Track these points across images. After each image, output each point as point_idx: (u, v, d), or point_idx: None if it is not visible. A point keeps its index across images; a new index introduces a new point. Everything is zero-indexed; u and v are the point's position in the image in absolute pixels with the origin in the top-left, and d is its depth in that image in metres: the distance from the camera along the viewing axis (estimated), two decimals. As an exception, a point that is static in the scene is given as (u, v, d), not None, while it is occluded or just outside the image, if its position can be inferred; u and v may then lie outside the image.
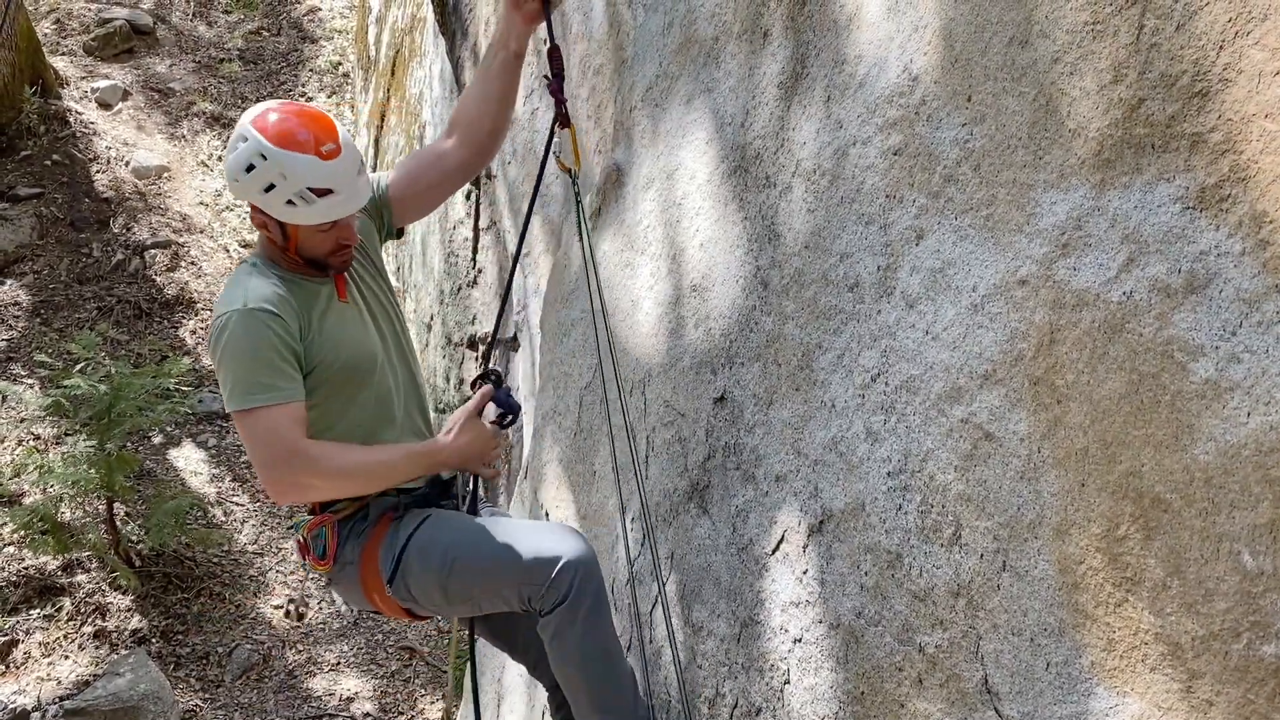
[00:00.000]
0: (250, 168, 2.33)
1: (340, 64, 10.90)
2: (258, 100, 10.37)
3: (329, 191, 2.33)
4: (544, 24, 2.66)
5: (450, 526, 2.46)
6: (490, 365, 2.59)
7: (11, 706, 5.70)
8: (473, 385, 2.57)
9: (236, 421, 2.33)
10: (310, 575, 6.84)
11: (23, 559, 6.47)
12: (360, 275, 2.56)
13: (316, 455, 2.32)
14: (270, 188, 2.32)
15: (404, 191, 2.65)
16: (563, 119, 2.69)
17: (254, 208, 2.39)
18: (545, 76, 2.71)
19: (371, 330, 2.51)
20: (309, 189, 2.31)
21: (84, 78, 9.99)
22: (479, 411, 2.53)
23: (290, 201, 2.31)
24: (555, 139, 2.67)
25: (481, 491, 2.67)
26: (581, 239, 2.75)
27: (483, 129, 2.71)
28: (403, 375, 2.56)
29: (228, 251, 9.06)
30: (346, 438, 2.43)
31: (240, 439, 2.45)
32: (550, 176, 5.00)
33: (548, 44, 2.68)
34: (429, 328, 7.49)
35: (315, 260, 2.43)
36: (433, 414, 2.74)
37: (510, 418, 2.57)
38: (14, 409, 7.26)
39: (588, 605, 2.37)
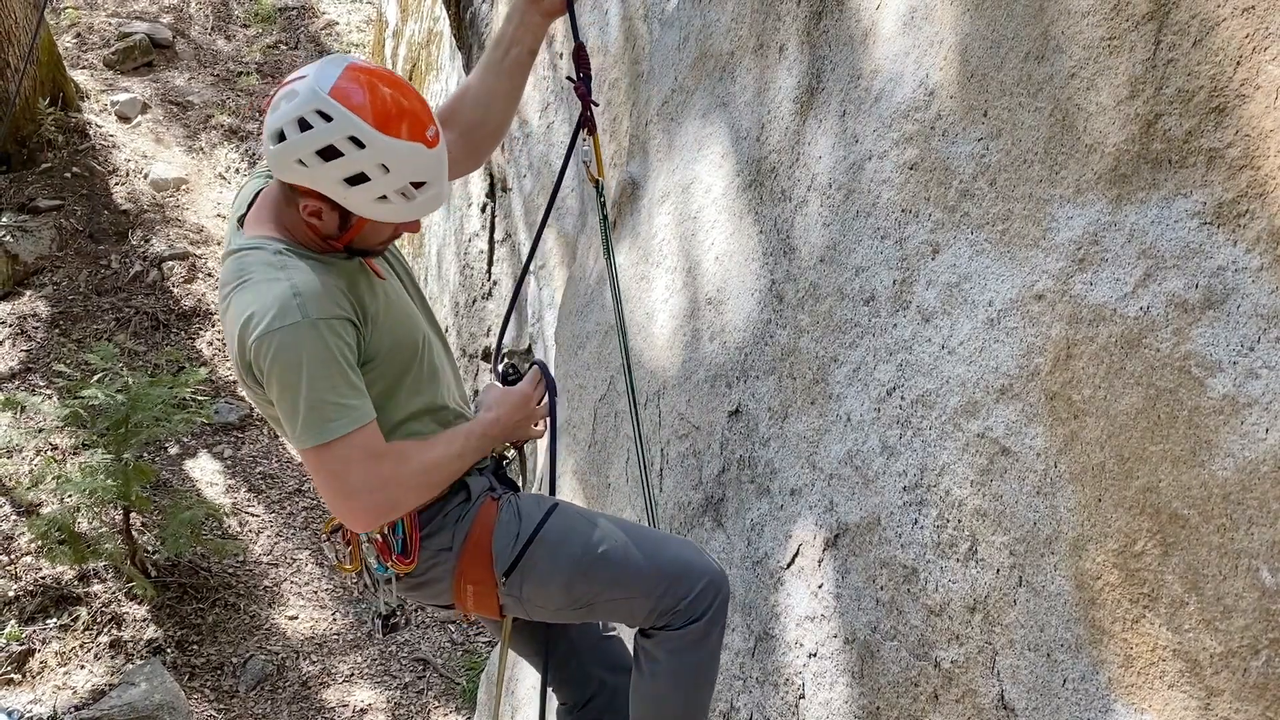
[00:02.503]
0: (332, 153, 1.88)
1: (357, 77, 10.95)
2: (275, 113, 10.42)
3: (424, 184, 1.96)
4: (564, 21, 2.39)
5: (586, 520, 2.25)
6: (505, 363, 2.36)
7: (28, 716, 5.72)
8: (504, 377, 2.33)
9: (310, 456, 1.98)
10: (337, 582, 6.86)
11: (40, 568, 6.50)
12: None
13: (400, 464, 2.04)
14: (359, 179, 1.91)
15: None
16: (590, 124, 2.42)
17: (308, 192, 1.95)
18: (569, 78, 2.48)
19: (410, 302, 2.23)
20: (411, 183, 1.94)
21: (104, 91, 10.07)
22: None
23: (384, 197, 1.94)
24: (584, 145, 2.45)
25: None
26: (608, 255, 2.58)
27: (485, 130, 2.41)
28: (437, 340, 2.30)
29: (244, 263, 9.11)
30: (417, 418, 2.17)
31: (304, 471, 2.12)
32: (565, 188, 5.02)
33: (573, 42, 2.42)
34: (444, 340, 7.51)
35: (362, 249, 2.07)
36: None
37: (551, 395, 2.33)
38: (33, 419, 7.31)
39: (719, 628, 2.21)
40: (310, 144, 1.88)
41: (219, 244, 9.20)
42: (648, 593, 2.17)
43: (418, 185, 1.95)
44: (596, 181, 2.49)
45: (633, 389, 2.50)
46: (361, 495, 2.00)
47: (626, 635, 2.45)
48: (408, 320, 2.16)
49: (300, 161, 1.90)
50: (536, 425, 2.31)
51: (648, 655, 2.24)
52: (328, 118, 1.87)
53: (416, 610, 6.71)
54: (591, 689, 2.51)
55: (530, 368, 2.32)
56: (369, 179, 1.91)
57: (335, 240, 2.02)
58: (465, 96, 2.40)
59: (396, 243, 2.28)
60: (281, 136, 1.90)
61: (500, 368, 2.36)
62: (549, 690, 2.60)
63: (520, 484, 2.43)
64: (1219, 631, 1.50)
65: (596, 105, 2.46)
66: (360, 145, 1.88)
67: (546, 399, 2.30)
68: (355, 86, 1.90)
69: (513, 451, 2.37)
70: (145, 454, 7.05)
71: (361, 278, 2.06)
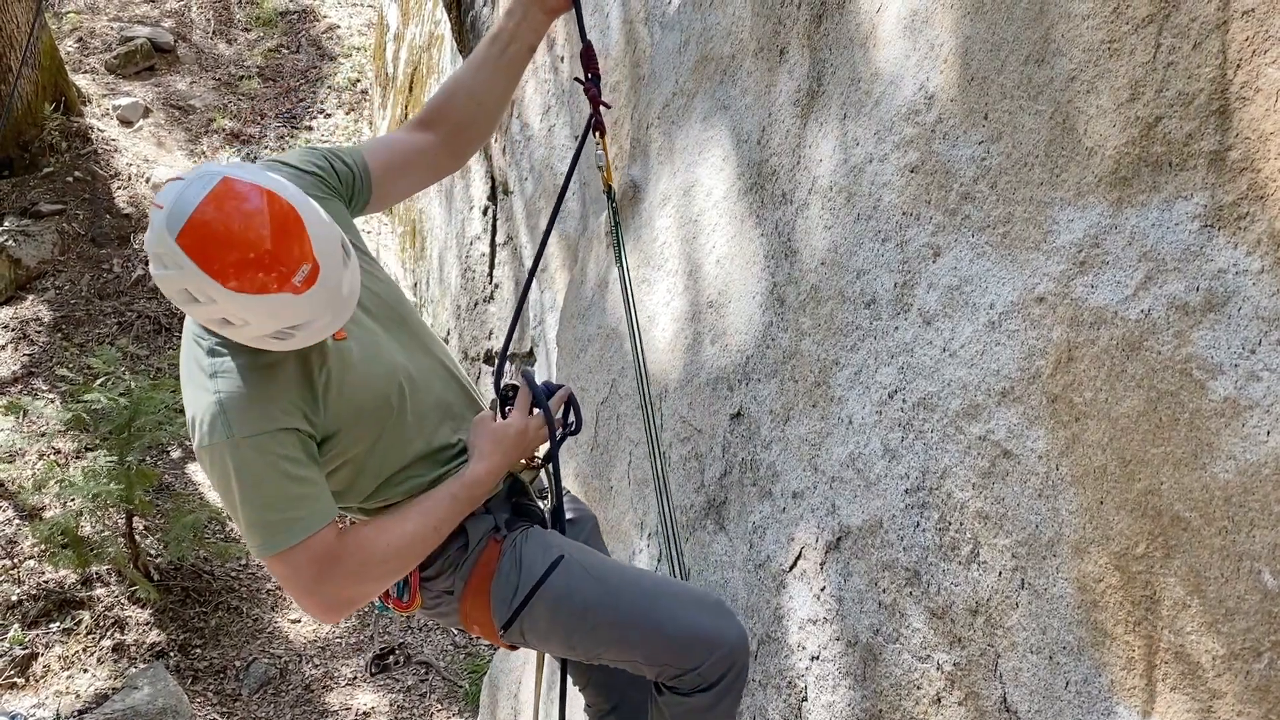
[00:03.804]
0: (191, 298, 1.72)
1: (358, 81, 10.98)
2: (277, 118, 10.45)
3: (301, 324, 1.76)
4: (565, 24, 2.37)
5: (591, 576, 2.08)
6: (505, 381, 2.19)
7: (31, 720, 5.73)
8: (502, 407, 2.15)
9: (269, 564, 1.90)
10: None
11: (43, 572, 6.51)
12: None
13: (362, 560, 1.90)
14: (226, 323, 1.75)
15: (383, 183, 2.17)
16: (601, 127, 2.31)
17: None
18: (577, 79, 2.37)
19: (384, 343, 2.02)
20: (285, 328, 1.75)
21: (106, 95, 10.09)
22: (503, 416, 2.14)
23: (260, 338, 1.77)
24: (597, 148, 2.34)
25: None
26: (621, 261, 2.50)
27: (475, 129, 2.29)
28: (427, 365, 2.11)
29: (246, 267, 9.12)
30: (412, 467, 2.05)
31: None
32: (570, 193, 5.02)
33: (580, 42, 2.32)
34: (445, 343, 7.52)
35: None
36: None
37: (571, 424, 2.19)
38: (35, 423, 7.32)
39: (733, 695, 2.11)
40: (168, 284, 1.72)
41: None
42: (651, 660, 2.07)
43: (297, 327, 1.75)
44: (609, 187, 2.39)
45: (647, 394, 2.49)
46: (320, 594, 1.89)
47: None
48: (377, 376, 1.98)
49: (170, 296, 1.75)
50: (533, 452, 2.16)
51: (657, 710, 2.16)
52: (180, 267, 1.67)
53: (420, 624, 6.72)
54: (615, 698, 2.46)
55: (519, 389, 2.13)
56: (234, 325, 1.74)
57: None
58: (457, 93, 2.26)
59: (377, 271, 2.14)
60: (149, 262, 1.75)
61: (502, 387, 2.18)
62: (578, 689, 2.55)
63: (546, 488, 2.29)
64: (1221, 634, 1.50)
65: (609, 107, 2.34)
66: (214, 302, 1.69)
67: (544, 421, 2.12)
68: (207, 231, 1.65)
69: (530, 472, 2.23)
70: (148, 458, 7.06)
71: (313, 350, 1.87)
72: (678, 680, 2.07)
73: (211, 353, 1.85)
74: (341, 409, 1.91)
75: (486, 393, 2.26)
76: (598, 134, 2.33)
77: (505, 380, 2.18)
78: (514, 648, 2.22)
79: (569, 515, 2.28)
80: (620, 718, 2.51)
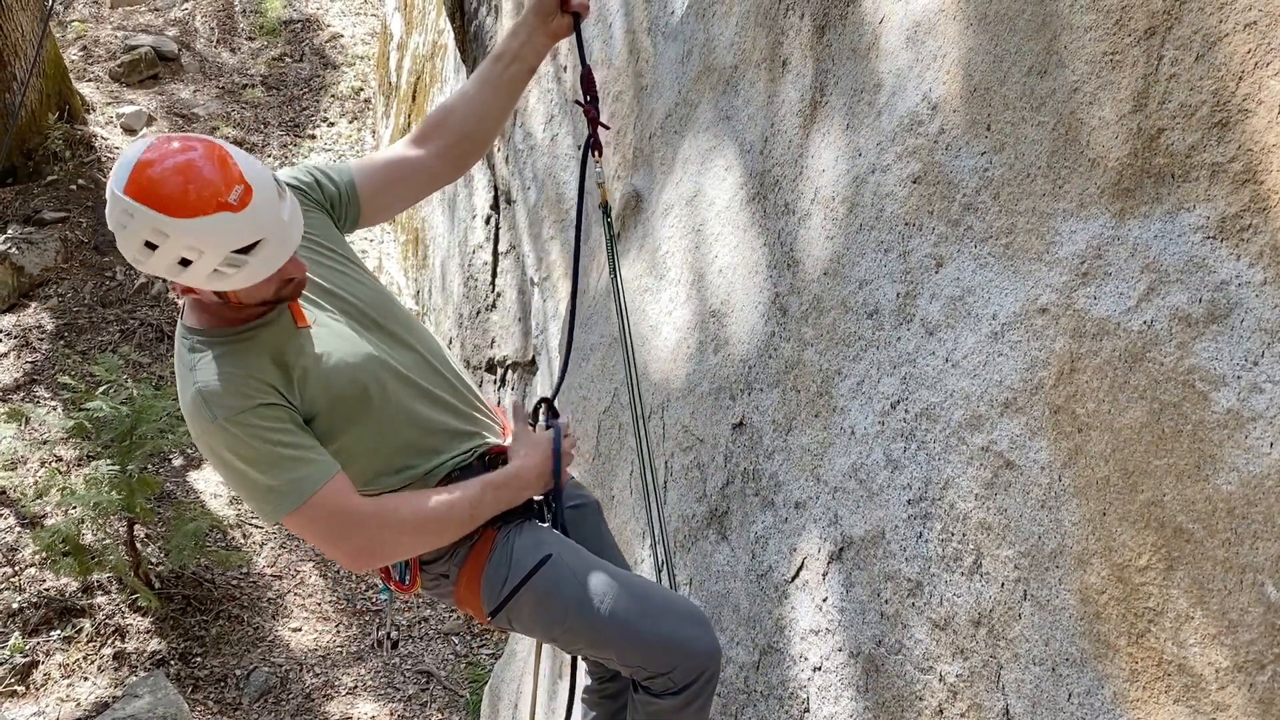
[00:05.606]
0: (151, 245, 1.87)
1: (362, 90, 11.01)
2: (280, 127, 10.48)
3: (257, 243, 1.90)
4: (568, 42, 2.39)
5: (577, 579, 2.17)
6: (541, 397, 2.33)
7: (31, 728, 5.72)
8: (534, 413, 2.32)
9: (287, 524, 2.02)
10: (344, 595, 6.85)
11: (44, 580, 6.51)
12: (318, 283, 2.15)
13: (391, 507, 2.05)
14: (185, 263, 1.88)
15: (375, 197, 2.30)
16: (598, 146, 2.42)
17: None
18: (577, 102, 2.45)
19: (356, 337, 2.13)
20: (233, 252, 1.88)
21: (109, 103, 10.12)
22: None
23: (217, 271, 1.90)
24: (597, 166, 2.44)
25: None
26: (615, 279, 2.52)
27: (472, 143, 2.40)
28: (410, 360, 2.20)
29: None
30: (400, 461, 2.15)
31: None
32: (571, 202, 5.03)
33: (580, 66, 2.42)
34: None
35: (264, 301, 2.03)
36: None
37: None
38: (37, 431, 7.33)
39: (702, 700, 2.21)
40: (134, 241, 1.87)
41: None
42: (623, 660, 2.18)
43: (246, 250, 1.89)
44: (605, 204, 2.47)
45: (640, 405, 2.50)
46: (346, 544, 2.04)
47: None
48: (350, 366, 2.08)
49: (137, 258, 1.90)
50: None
51: (633, 707, 2.28)
52: (132, 215, 1.85)
53: (419, 623, 6.71)
54: (614, 668, 2.53)
55: (557, 421, 2.29)
56: (191, 261, 1.88)
57: (228, 304, 2.00)
58: (457, 109, 2.37)
59: (337, 268, 2.20)
60: (115, 234, 1.91)
61: (538, 402, 2.35)
62: (581, 656, 2.61)
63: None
64: (1224, 646, 1.49)
65: (608, 129, 2.45)
66: (166, 236, 1.85)
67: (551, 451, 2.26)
68: (144, 177, 1.85)
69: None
70: (149, 466, 7.06)
71: (290, 338, 2.04)
72: (649, 681, 2.18)
73: (192, 349, 2.02)
74: (317, 394, 2.04)
75: (489, 400, 2.31)
76: (596, 154, 2.44)
77: (540, 397, 2.35)
78: (504, 630, 2.35)
79: (573, 502, 2.38)
80: (620, 686, 2.55)
